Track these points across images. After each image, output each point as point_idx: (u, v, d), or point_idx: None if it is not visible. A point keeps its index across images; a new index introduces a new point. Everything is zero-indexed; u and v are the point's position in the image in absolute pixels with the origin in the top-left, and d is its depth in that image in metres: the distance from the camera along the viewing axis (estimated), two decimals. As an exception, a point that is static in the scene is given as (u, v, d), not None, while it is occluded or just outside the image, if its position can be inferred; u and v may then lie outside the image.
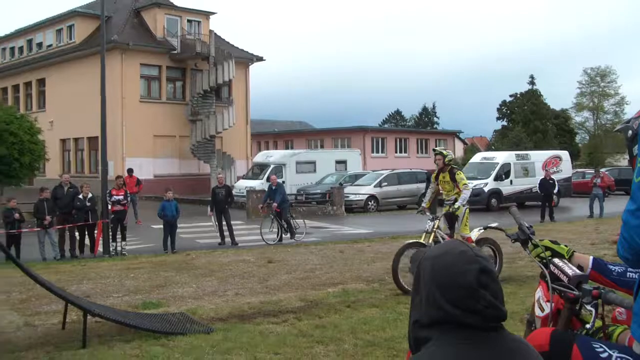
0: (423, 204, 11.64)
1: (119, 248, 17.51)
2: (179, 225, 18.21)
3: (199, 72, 37.26)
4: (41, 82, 42.71)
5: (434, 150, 11.79)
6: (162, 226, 18.02)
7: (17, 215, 16.50)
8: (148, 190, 29.70)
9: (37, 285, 8.28)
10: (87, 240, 17.59)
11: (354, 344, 7.40)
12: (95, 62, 29.47)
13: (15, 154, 23.14)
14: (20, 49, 46.07)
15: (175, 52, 37.38)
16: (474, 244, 10.18)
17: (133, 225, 21.64)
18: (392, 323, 8.36)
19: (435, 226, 10.63)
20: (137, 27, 38.02)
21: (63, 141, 39.96)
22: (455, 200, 11.07)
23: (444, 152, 11.50)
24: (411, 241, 10.99)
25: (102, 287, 11.88)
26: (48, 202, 17.01)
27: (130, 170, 25.61)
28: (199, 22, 39.81)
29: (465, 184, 11.10)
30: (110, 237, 17.51)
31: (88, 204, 17.26)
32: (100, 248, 17.49)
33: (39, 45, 43.88)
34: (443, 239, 10.50)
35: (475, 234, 10.94)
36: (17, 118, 25.02)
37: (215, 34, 38.96)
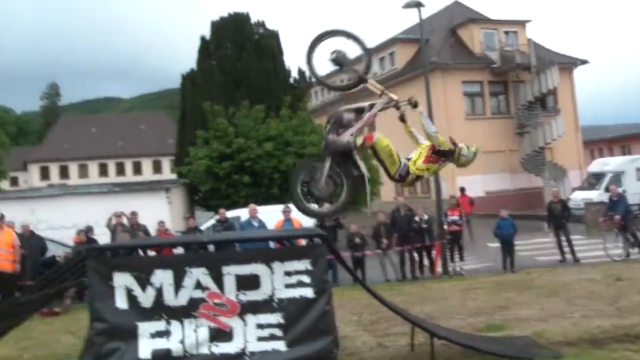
0: None
1: (457, 268, 17.62)
2: (516, 243, 17.75)
3: (521, 84, 36.38)
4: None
5: None
6: (498, 244, 17.76)
7: (357, 240, 17.45)
8: (480, 207, 29.54)
9: (384, 307, 8.55)
10: (425, 261, 17.98)
11: None
12: (419, 85, 30.22)
13: (352, 180, 24.60)
14: (349, 80, 49.23)
15: (495, 65, 36.97)
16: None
17: (469, 244, 21.63)
18: None
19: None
20: (454, 46, 38.41)
21: (395, 165, 41.63)
22: None
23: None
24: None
25: (444, 308, 11.97)
26: (385, 226, 17.76)
27: (462, 189, 25.77)
28: (515, 32, 38.95)
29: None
30: (448, 257, 17.72)
31: (424, 225, 17.66)
32: (439, 268, 17.77)
33: (365, 75, 46.44)
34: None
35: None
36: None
37: (533, 42, 37.70)
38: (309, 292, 6.96)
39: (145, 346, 6.98)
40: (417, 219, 17.78)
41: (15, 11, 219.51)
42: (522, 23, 39.47)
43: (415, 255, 17.89)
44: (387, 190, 37.94)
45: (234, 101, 28.81)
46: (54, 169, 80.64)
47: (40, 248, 16.39)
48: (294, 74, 37.56)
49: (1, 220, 14.74)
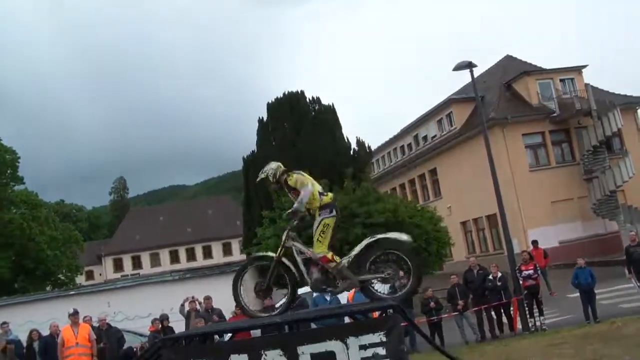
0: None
1: (537, 323, 17.10)
2: (596, 291, 17.13)
3: (583, 129, 35.72)
4: (433, 172, 44.91)
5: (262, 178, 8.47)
6: (578, 295, 17.20)
7: (432, 304, 17.20)
8: (556, 258, 28.81)
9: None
10: (504, 319, 17.53)
11: None
12: (479, 143, 30.15)
13: (423, 244, 24.35)
14: (409, 145, 49.31)
15: (555, 115, 36.50)
16: (332, 264, 7.74)
17: (548, 297, 21.01)
18: None
19: (286, 237, 8.05)
20: (511, 100, 38.13)
21: (463, 223, 41.12)
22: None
23: (263, 173, 8.45)
24: (260, 254, 8.78)
25: (529, 367, 11.58)
26: (460, 287, 17.46)
27: (535, 242, 25.17)
28: (572, 79, 38.50)
29: (303, 183, 7.95)
30: (527, 313, 17.24)
31: (499, 283, 17.31)
32: (519, 325, 17.28)
33: (424, 138, 46.50)
34: (301, 252, 8.01)
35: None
36: (418, 211, 26.44)
37: (591, 86, 37.14)
38: (386, 364, 6.82)
39: None
40: (490, 277, 17.45)
41: (77, 115, 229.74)
42: (578, 69, 38.98)
43: (493, 313, 17.50)
44: (459, 250, 37.49)
45: (296, 178, 29.08)
46: (126, 260, 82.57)
47: (118, 340, 16.62)
48: (354, 145, 37.80)
49: (76, 316, 15.04)
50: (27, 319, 18.37)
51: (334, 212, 7.87)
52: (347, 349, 6.87)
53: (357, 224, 23.47)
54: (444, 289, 19.48)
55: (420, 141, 47.07)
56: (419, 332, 8.48)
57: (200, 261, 78.39)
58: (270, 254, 8.20)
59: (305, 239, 8.26)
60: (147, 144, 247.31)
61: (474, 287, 17.63)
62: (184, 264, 77.35)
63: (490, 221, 37.35)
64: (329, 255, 7.73)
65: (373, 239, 7.91)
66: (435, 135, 44.50)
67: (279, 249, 8.08)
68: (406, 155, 49.76)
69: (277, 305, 8.44)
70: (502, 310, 17.50)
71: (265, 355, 6.97)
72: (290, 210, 7.88)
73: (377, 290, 7.86)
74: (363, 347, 6.88)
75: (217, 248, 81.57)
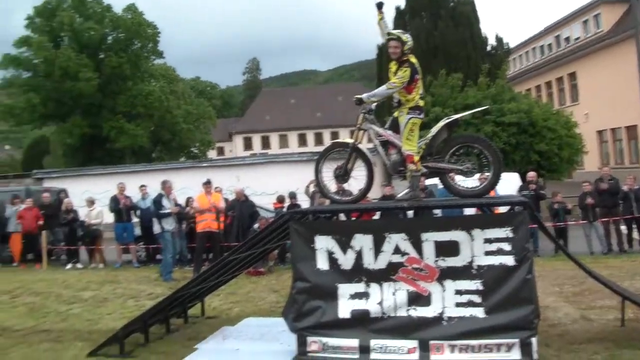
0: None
1: (671, 242, 16.41)
2: None
3: None
4: (572, 76, 42.89)
5: (389, 34, 7.67)
6: None
7: (558, 206, 16.77)
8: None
9: (589, 279, 8.14)
10: (635, 234, 16.87)
11: None
12: (627, 48, 28.41)
13: (554, 149, 23.61)
14: (549, 46, 47.12)
15: None
16: (414, 166, 7.49)
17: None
18: None
19: (362, 120, 7.88)
20: (671, 4, 35.31)
21: (599, 132, 39.39)
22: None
23: (403, 36, 7.57)
24: (338, 141, 8.45)
25: (656, 284, 11.21)
26: (592, 195, 16.81)
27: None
28: None
29: (395, 82, 7.41)
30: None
31: (633, 195, 16.57)
32: (647, 243, 16.65)
33: (567, 39, 44.22)
34: (379, 135, 7.86)
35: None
36: (553, 114, 25.49)
37: None
38: (509, 260, 6.77)
39: (345, 306, 7.16)
40: (624, 188, 16.69)
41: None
42: None
43: (624, 227, 16.84)
44: (592, 160, 36.15)
45: (430, 70, 28.59)
46: (256, 140, 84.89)
47: (250, 214, 17.20)
48: (491, 41, 36.52)
49: (209, 185, 15.91)
50: (162, 185, 19.29)
51: (422, 115, 7.65)
52: (472, 240, 6.89)
53: (488, 122, 22.96)
54: (574, 197, 18.87)
55: (562, 42, 44.86)
56: (545, 232, 8.32)
57: (327, 146, 79.29)
58: (348, 140, 8.21)
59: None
60: (282, 26, 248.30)
61: (603, 197, 16.94)
62: (311, 147, 78.60)
63: (630, 132, 35.59)
64: (416, 158, 7.56)
65: (450, 119, 7.72)
66: (578, 37, 42.20)
67: (355, 133, 8.07)
68: (545, 55, 47.66)
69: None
70: (634, 225, 16.83)
71: (390, 238, 7.10)
72: (356, 96, 7.79)
73: (456, 183, 7.82)
74: (488, 241, 6.88)
75: (344, 134, 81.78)
